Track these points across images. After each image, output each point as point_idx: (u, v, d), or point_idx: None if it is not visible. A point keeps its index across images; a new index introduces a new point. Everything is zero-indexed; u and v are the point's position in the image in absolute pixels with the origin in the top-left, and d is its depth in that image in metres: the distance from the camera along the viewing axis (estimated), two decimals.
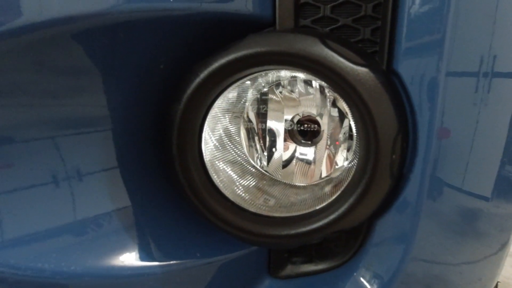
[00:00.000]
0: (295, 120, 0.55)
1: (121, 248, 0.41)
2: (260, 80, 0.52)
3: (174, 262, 0.44)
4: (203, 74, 0.40)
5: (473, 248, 0.50)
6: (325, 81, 0.42)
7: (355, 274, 0.49)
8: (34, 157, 0.37)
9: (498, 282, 1.11)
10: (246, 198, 0.49)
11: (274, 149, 0.55)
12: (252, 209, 0.47)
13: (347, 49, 0.40)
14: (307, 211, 0.46)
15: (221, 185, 0.47)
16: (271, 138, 0.55)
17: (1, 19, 0.34)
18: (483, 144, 0.44)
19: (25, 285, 0.34)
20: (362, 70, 0.39)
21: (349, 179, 0.45)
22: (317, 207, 0.46)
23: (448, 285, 0.51)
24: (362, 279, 0.48)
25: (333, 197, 0.45)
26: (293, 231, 0.44)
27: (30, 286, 0.34)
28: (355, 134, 0.47)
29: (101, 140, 0.40)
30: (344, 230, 0.45)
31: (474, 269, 0.51)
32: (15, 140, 0.36)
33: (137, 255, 0.42)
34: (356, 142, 0.47)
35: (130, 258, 0.41)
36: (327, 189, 0.51)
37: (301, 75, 0.51)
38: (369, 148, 0.40)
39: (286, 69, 0.44)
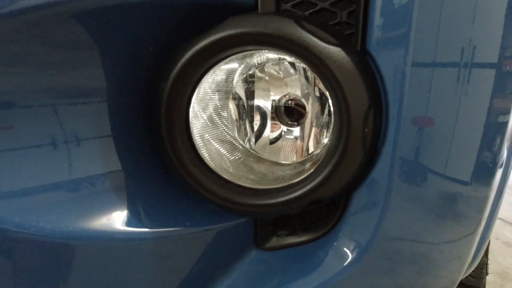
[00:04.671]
0: (282, 101, 0.58)
1: (115, 213, 0.45)
2: (248, 60, 0.55)
3: (165, 229, 0.48)
4: (187, 55, 0.43)
5: (450, 227, 0.52)
6: (302, 60, 0.45)
7: (335, 243, 0.53)
8: (34, 121, 0.40)
9: (487, 264, 1.14)
10: (232, 172, 0.52)
11: (261, 128, 0.59)
12: (237, 182, 0.51)
13: (321, 30, 0.43)
14: (287, 183, 0.50)
15: (208, 159, 0.51)
16: (259, 117, 0.58)
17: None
18: (460, 128, 0.46)
19: (27, 242, 0.38)
20: (334, 49, 0.42)
21: (325, 153, 0.48)
22: (297, 180, 0.49)
23: (431, 261, 0.54)
24: (342, 247, 0.52)
25: (311, 170, 0.49)
26: (273, 200, 0.47)
27: (31, 244, 0.38)
28: (332, 111, 0.50)
29: (96, 109, 0.44)
30: (322, 200, 0.48)
31: (453, 248, 0.54)
32: (16, 105, 0.40)
33: (130, 221, 0.46)
34: (333, 118, 0.50)
35: (123, 223, 0.45)
36: (308, 165, 0.54)
37: (287, 57, 0.54)
38: (342, 122, 0.44)
39: (264, 49, 0.47)
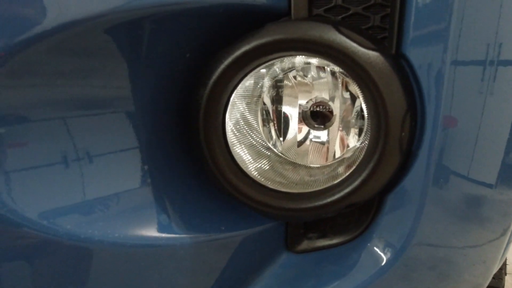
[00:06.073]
0: (309, 105, 0.58)
1: (154, 221, 0.46)
2: (275, 67, 0.55)
3: (202, 234, 0.48)
4: (226, 61, 0.43)
5: (477, 232, 0.52)
6: (339, 65, 0.46)
7: (368, 244, 0.53)
8: (68, 134, 0.41)
9: (506, 264, 1.14)
10: (265, 176, 0.53)
11: (288, 132, 0.59)
12: (271, 186, 0.51)
13: (358, 35, 0.43)
14: (322, 187, 0.50)
15: (242, 164, 0.51)
16: (286, 122, 0.59)
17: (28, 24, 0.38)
18: (488, 131, 0.46)
19: (76, 249, 0.38)
20: (373, 53, 0.42)
21: (361, 156, 0.48)
22: (332, 183, 0.50)
23: (453, 266, 0.54)
24: (375, 248, 0.52)
25: (347, 174, 0.49)
26: (310, 205, 0.48)
27: (80, 250, 0.39)
28: (366, 115, 0.50)
29: (132, 121, 0.44)
30: (358, 203, 0.49)
31: (478, 252, 0.54)
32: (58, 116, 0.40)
33: (168, 227, 0.46)
34: (368, 123, 0.50)
35: (162, 230, 0.45)
36: (341, 169, 0.54)
37: (314, 61, 0.54)
38: (380, 126, 0.44)
39: (302, 55, 0.47)
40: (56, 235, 0.38)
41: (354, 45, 0.42)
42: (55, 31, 0.39)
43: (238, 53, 0.43)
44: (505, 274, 1.07)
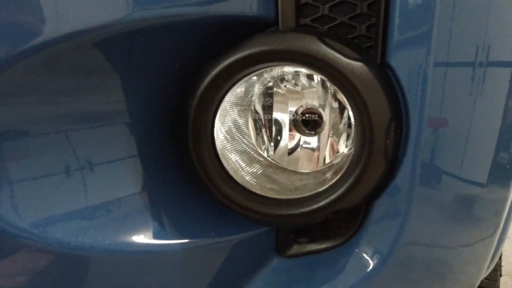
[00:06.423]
0: (299, 111, 0.59)
1: (146, 227, 0.47)
2: (265, 75, 0.56)
3: (192, 240, 0.49)
4: (214, 72, 0.44)
5: (469, 232, 0.53)
6: (324, 75, 0.47)
7: (356, 250, 0.54)
8: (64, 146, 0.42)
9: (501, 266, 1.15)
10: (254, 183, 0.54)
11: (279, 139, 0.60)
12: (260, 193, 0.52)
13: (343, 45, 0.44)
14: (309, 193, 0.51)
15: (231, 171, 0.52)
16: (277, 128, 0.60)
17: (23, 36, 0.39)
18: (477, 132, 0.47)
19: (66, 257, 0.40)
20: (357, 64, 0.43)
21: (348, 163, 0.49)
22: (319, 190, 0.51)
23: (447, 266, 0.55)
24: (363, 254, 0.53)
25: (333, 181, 0.50)
26: (297, 211, 0.49)
27: (71, 258, 0.40)
28: (353, 123, 0.51)
29: (124, 131, 0.45)
30: (344, 210, 0.49)
31: (470, 251, 0.55)
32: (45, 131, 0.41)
33: (160, 234, 0.47)
34: (354, 130, 0.51)
35: (153, 236, 0.47)
36: (328, 174, 0.55)
37: (303, 70, 0.55)
38: (365, 134, 0.45)
39: (288, 65, 0.48)
40: (46, 244, 0.39)
41: (338, 55, 0.43)
42: (51, 43, 0.40)
43: (225, 63, 0.44)
44: (500, 275, 1.08)
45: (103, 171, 0.45)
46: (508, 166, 0.49)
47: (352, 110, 0.49)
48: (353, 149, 0.51)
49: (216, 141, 0.51)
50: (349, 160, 0.50)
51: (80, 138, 0.44)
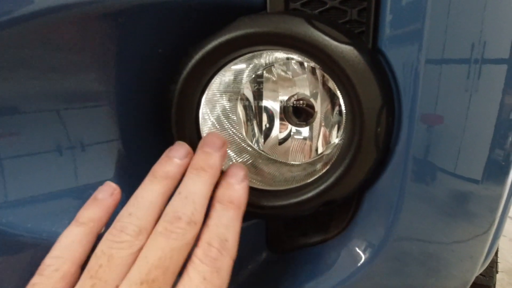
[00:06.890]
0: (291, 101, 0.57)
1: None
2: (255, 61, 0.54)
3: None
4: (197, 56, 0.43)
5: (463, 228, 0.52)
6: (313, 60, 0.45)
7: (348, 243, 0.52)
8: (40, 126, 0.40)
9: (497, 262, 1.13)
10: None
11: (270, 129, 0.58)
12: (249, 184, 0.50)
13: (332, 29, 0.42)
14: (299, 184, 0.49)
15: None
16: (267, 118, 0.58)
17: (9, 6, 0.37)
18: (472, 126, 0.45)
19: (23, 244, 0.38)
20: (347, 47, 0.41)
21: (338, 153, 0.47)
22: (308, 180, 0.49)
23: (441, 261, 0.53)
24: (355, 248, 0.51)
25: (323, 171, 0.48)
26: (286, 202, 0.47)
27: (26, 245, 0.38)
28: (344, 111, 0.49)
29: (104, 113, 0.43)
30: (335, 201, 0.48)
31: (465, 247, 0.53)
32: (26, 110, 0.39)
33: None
34: (345, 118, 0.49)
35: None
36: (319, 165, 0.54)
37: (295, 57, 0.54)
38: (355, 121, 0.43)
39: (275, 49, 0.46)
40: (15, 232, 0.37)
41: (327, 38, 0.41)
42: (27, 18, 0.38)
43: (208, 47, 0.42)
44: (497, 272, 1.06)
45: (82, 153, 0.43)
46: (503, 163, 0.48)
47: (342, 96, 0.47)
48: (343, 138, 0.49)
49: (202, 129, 0.49)
50: (339, 150, 0.49)
51: (58, 120, 0.42)
